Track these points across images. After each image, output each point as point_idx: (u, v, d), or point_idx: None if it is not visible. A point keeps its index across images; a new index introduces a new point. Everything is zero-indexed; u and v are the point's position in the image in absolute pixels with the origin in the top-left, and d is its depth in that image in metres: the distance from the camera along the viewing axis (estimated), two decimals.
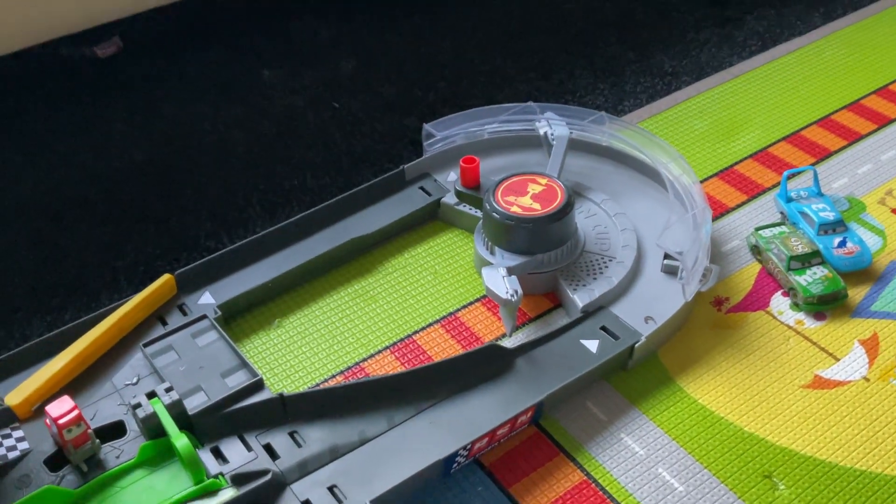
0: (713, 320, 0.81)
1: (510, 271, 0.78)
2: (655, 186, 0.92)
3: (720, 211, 0.92)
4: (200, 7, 1.30)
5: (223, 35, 1.26)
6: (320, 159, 1.03)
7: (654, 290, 0.81)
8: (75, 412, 0.63)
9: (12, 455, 0.66)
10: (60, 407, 0.63)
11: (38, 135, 1.09)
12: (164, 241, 0.92)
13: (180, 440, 0.62)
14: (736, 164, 0.98)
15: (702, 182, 0.95)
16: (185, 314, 0.79)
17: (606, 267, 0.83)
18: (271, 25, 1.28)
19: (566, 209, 0.82)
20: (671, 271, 0.82)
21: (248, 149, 1.05)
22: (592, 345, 0.76)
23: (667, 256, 0.82)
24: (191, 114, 1.11)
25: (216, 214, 0.95)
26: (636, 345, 0.75)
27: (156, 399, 0.66)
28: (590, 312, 0.79)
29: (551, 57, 1.18)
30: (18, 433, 0.68)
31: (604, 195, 0.91)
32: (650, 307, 0.79)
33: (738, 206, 0.93)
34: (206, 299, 0.81)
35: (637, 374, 0.76)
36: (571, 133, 0.94)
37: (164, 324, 0.78)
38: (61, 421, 0.63)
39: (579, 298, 0.79)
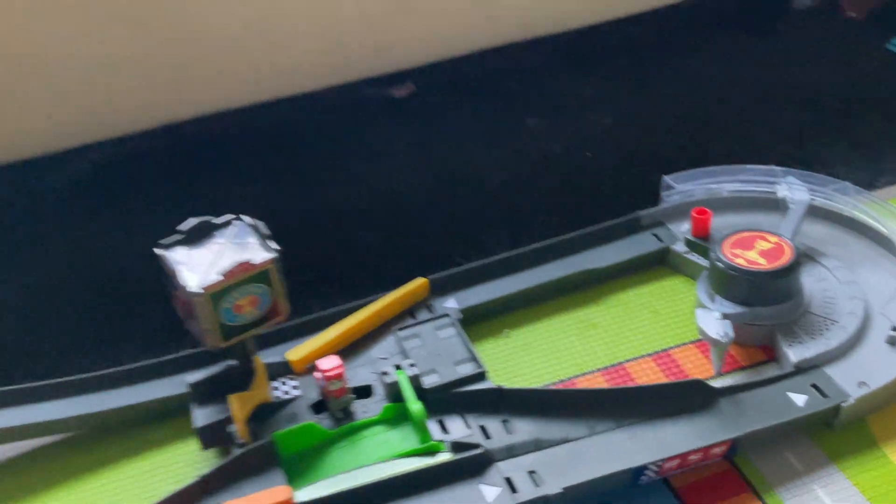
0: None
1: (725, 317, 0.83)
2: (894, 260, 0.92)
3: None
4: (477, 62, 1.48)
5: (497, 86, 1.43)
6: (567, 200, 1.14)
7: (873, 358, 0.82)
8: (340, 370, 0.78)
9: (286, 397, 0.83)
10: (329, 363, 0.79)
11: (338, 158, 1.31)
12: (423, 252, 1.08)
13: (416, 405, 0.75)
14: None
15: None
16: (430, 312, 0.93)
17: (828, 329, 0.84)
18: (542, 81, 1.42)
19: (791, 268, 0.85)
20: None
21: (504, 185, 1.19)
22: (799, 399, 0.79)
23: (894, 328, 0.83)
24: (459, 151, 1.28)
25: (469, 236, 1.09)
26: (844, 404, 0.76)
27: (401, 371, 0.79)
28: (802, 369, 0.81)
29: (805, 125, 1.20)
30: (294, 382, 0.85)
31: (837, 262, 0.92)
32: (867, 374, 0.80)
33: None
34: (451, 304, 0.94)
35: (841, 435, 0.77)
36: (812, 200, 0.97)
37: (413, 317, 0.93)
38: (328, 374, 0.78)
39: (793, 354, 0.82)
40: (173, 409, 0.86)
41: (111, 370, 0.89)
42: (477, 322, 0.94)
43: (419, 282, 0.96)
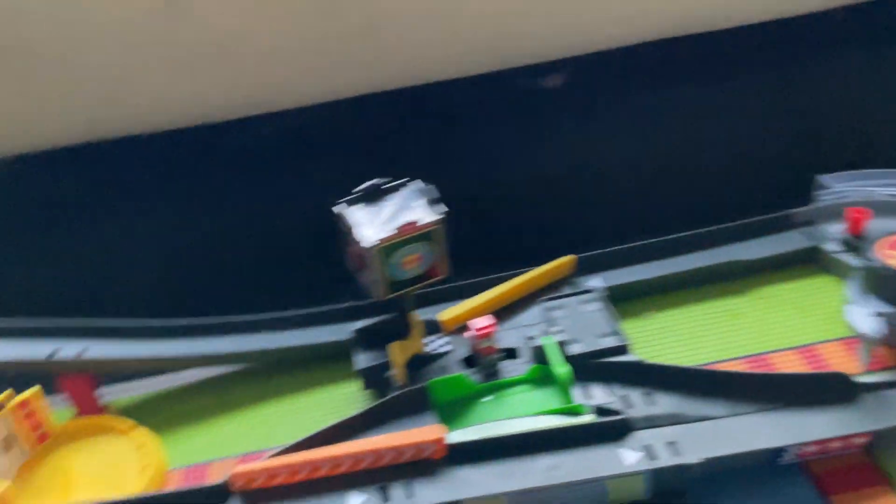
0: None
1: (878, 315, 0.83)
2: None
3: None
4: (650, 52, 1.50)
5: (650, 80, 1.44)
6: (718, 193, 1.15)
7: None
8: (492, 328, 0.84)
9: (438, 350, 0.90)
10: (483, 321, 0.85)
11: (495, 142, 1.37)
12: (571, 231, 1.12)
13: (563, 368, 0.80)
14: None
15: None
16: (576, 289, 0.98)
17: None
18: (695, 78, 1.43)
19: None
20: None
21: (657, 175, 1.22)
22: None
23: None
24: (611, 142, 1.31)
25: (617, 219, 1.13)
26: None
27: (548, 336, 0.84)
28: None
29: None
30: (445, 339, 0.92)
31: None
32: None
33: None
34: (598, 282, 0.98)
35: None
36: None
37: (559, 292, 0.98)
38: (481, 331, 0.84)
39: None
40: (337, 353, 0.94)
41: (285, 313, 0.98)
42: (620, 302, 0.98)
43: (567, 259, 1.00)
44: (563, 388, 0.80)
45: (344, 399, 0.91)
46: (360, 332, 0.92)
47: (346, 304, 0.98)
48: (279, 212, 1.22)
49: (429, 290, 0.88)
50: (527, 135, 1.35)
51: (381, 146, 1.31)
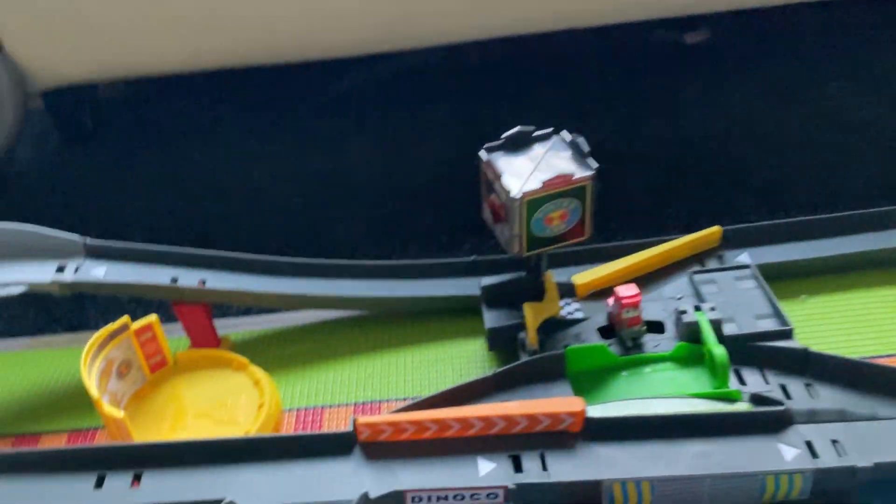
0: None
1: None
2: None
3: None
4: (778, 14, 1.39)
5: (797, 43, 1.33)
6: (876, 171, 1.05)
7: None
8: (637, 298, 0.78)
9: (571, 317, 0.84)
10: (627, 290, 0.78)
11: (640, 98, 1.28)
12: (713, 202, 1.04)
13: (719, 349, 0.73)
14: None
15: None
16: (720, 263, 0.90)
17: None
18: (849, 44, 1.31)
19: None
20: None
21: (803, 146, 1.12)
22: None
23: None
24: (753, 106, 1.21)
25: (763, 192, 1.04)
26: None
27: (701, 313, 0.77)
28: None
29: None
30: (577, 304, 0.86)
31: None
32: None
33: None
34: (744, 258, 0.90)
35: None
36: None
37: (702, 265, 0.90)
38: (626, 301, 0.78)
39: None
40: (460, 307, 0.89)
41: (407, 261, 0.93)
42: (769, 281, 0.90)
43: (713, 230, 0.92)
44: (717, 371, 0.73)
45: (466, 357, 0.87)
46: (488, 288, 0.86)
47: (472, 258, 0.93)
48: (399, 154, 1.17)
49: (563, 250, 0.82)
50: (670, 92, 1.26)
51: (510, 92, 1.24)
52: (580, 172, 0.76)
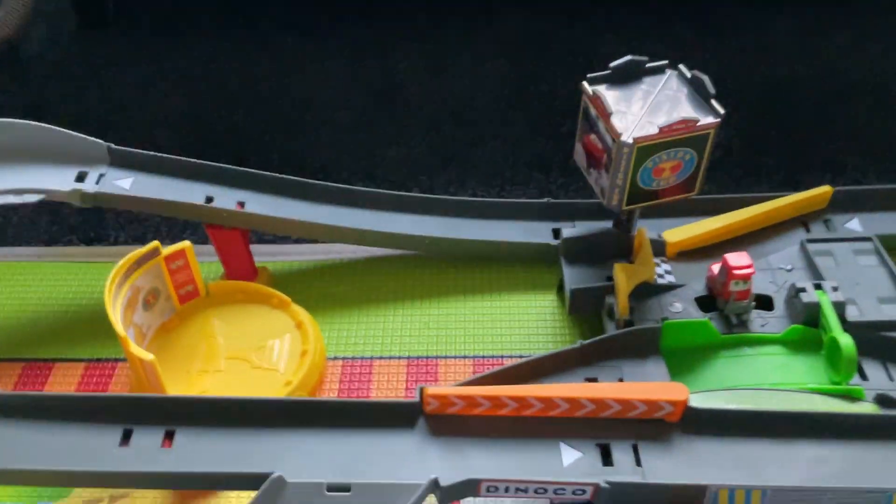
0: None
1: None
2: None
3: None
4: None
5: None
6: None
7: None
8: (750, 269, 0.67)
9: (663, 281, 0.73)
10: (739, 259, 0.68)
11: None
12: (811, 158, 0.93)
13: (845, 338, 0.63)
14: None
15: None
16: (828, 230, 0.79)
17: None
18: None
19: None
20: None
21: None
22: None
23: None
24: (854, 53, 1.08)
25: (874, 153, 0.92)
26: None
27: (822, 292, 0.67)
28: None
29: None
30: (667, 266, 0.75)
31: None
32: None
33: None
34: (854, 225, 0.80)
35: None
36: None
37: (807, 230, 0.79)
38: (737, 272, 0.67)
39: None
40: (528, 256, 0.79)
41: (471, 198, 0.82)
42: None
43: (822, 190, 0.81)
44: (842, 363, 0.63)
45: (537, 314, 0.77)
46: (569, 241, 0.75)
47: (545, 200, 0.82)
48: (455, 71, 1.04)
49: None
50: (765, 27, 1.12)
51: (584, 8, 1.10)
52: (705, 118, 0.64)
